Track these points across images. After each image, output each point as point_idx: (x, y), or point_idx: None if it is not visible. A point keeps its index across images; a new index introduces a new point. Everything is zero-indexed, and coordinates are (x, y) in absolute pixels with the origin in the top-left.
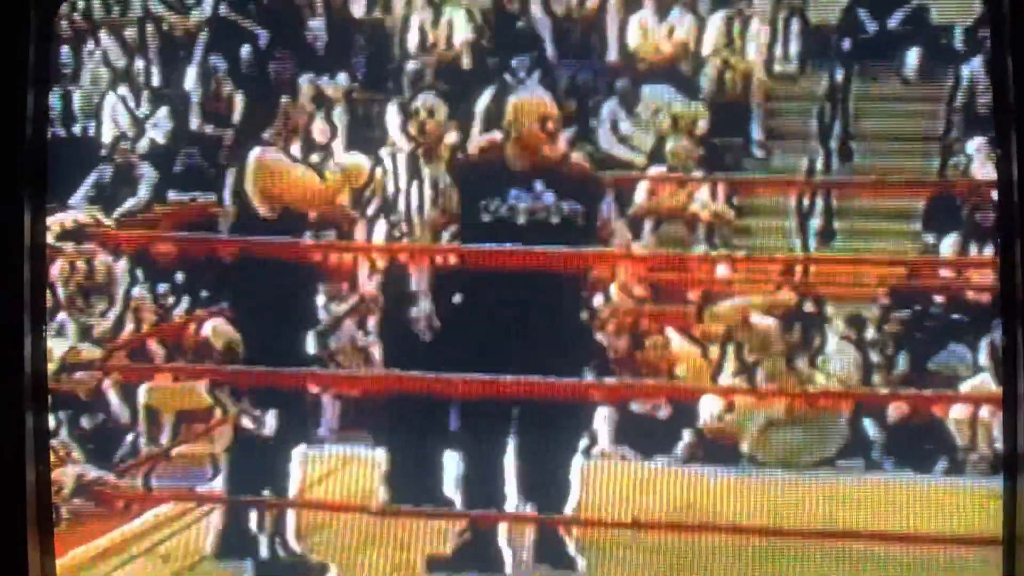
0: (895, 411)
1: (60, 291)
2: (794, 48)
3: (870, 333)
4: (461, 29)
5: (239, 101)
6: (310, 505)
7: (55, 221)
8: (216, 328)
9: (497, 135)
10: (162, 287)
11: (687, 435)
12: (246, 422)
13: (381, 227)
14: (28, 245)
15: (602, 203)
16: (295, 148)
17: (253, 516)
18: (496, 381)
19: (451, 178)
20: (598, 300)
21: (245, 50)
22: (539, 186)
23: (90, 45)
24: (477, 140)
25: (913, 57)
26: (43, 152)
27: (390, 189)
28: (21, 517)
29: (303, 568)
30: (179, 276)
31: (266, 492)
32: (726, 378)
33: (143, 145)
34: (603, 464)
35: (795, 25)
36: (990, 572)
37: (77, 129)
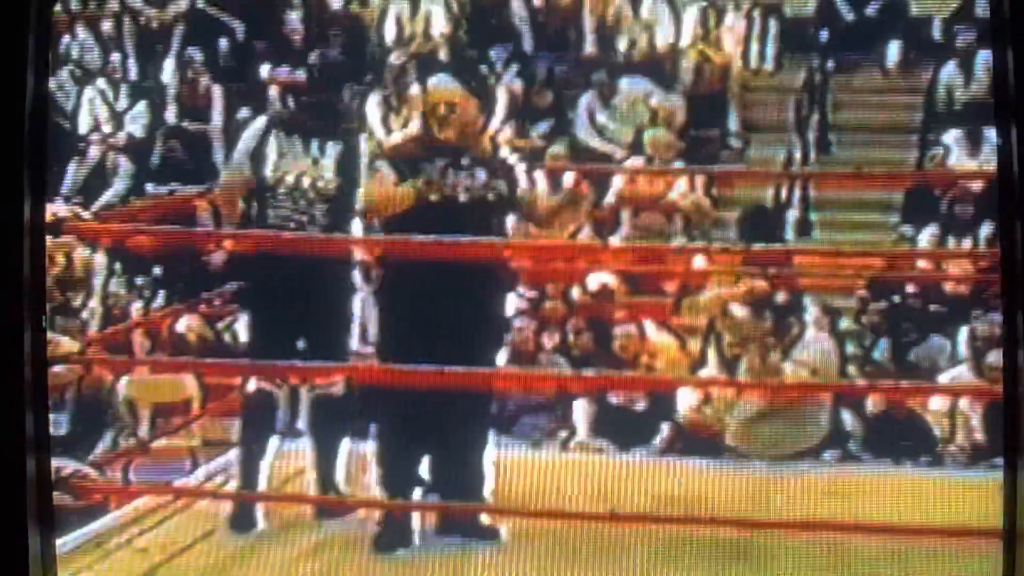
0: (874, 402)
1: None
2: (771, 40)
3: (848, 324)
4: (438, 21)
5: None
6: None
7: None
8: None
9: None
10: (141, 280)
11: (665, 427)
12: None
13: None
14: (27, 238)
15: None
16: None
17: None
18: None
19: (387, 165)
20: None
21: (223, 43)
22: (466, 163)
23: (68, 38)
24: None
25: (892, 48)
26: (42, 144)
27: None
28: (21, 507)
29: None
30: (157, 269)
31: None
32: (705, 370)
33: (121, 138)
34: (580, 456)
35: (772, 16)
36: (989, 565)
37: (56, 123)
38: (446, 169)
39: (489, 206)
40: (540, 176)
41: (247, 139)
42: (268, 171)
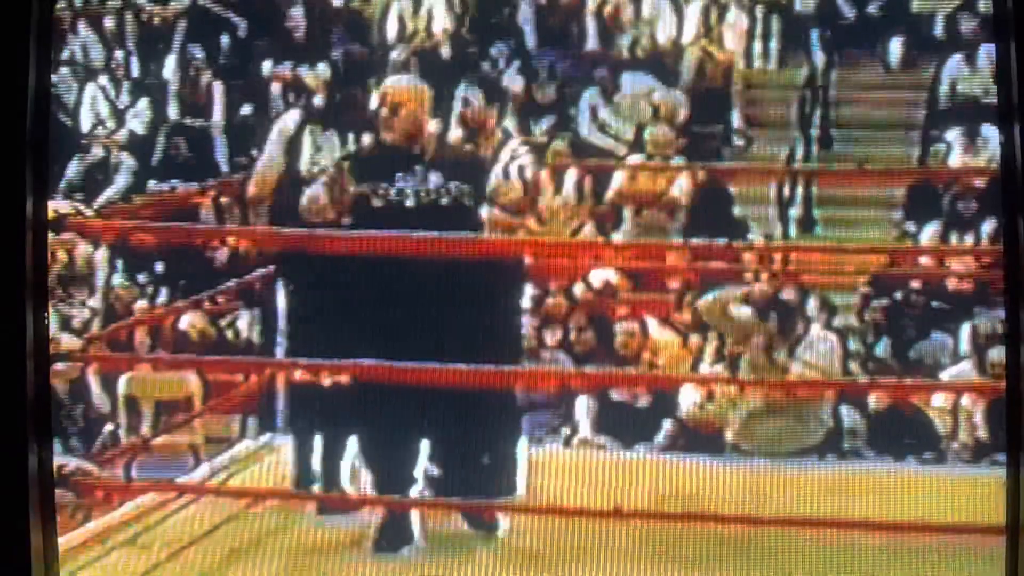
0: (877, 398)
1: None
2: (774, 36)
3: (851, 321)
4: (440, 17)
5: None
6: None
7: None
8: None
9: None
10: (143, 276)
11: (668, 424)
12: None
13: None
14: (30, 234)
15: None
16: None
17: None
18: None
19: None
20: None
21: (224, 39)
22: (420, 168)
23: (70, 35)
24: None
25: (895, 44)
26: (45, 141)
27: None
28: (23, 504)
29: None
30: (159, 265)
31: None
32: (707, 367)
33: (123, 135)
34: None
35: (775, 13)
36: (992, 561)
37: (59, 120)
38: (399, 172)
39: (444, 210)
40: (517, 173)
41: (278, 133)
42: (304, 165)
